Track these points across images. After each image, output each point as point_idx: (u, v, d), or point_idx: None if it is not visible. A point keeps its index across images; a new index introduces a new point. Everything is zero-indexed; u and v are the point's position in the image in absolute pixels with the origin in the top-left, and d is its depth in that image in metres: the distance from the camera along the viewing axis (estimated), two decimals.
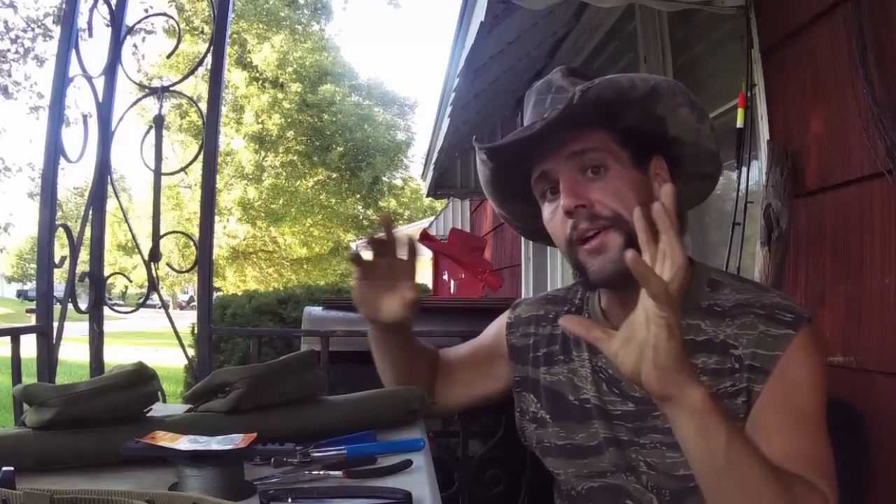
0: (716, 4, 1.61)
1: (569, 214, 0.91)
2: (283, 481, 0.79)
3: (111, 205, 1.98)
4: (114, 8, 1.81)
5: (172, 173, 2.50)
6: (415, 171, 20.48)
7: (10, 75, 9.37)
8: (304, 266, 20.13)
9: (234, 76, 17.27)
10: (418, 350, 1.15)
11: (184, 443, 0.75)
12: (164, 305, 2.06)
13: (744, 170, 1.55)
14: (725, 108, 1.87)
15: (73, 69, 1.68)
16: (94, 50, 1.99)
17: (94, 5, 1.82)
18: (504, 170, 1.01)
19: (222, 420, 0.90)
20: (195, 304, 2.07)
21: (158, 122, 1.87)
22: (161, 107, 1.89)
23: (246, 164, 17.86)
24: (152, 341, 12.22)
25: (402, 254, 1.04)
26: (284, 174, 18.51)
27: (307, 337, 2.02)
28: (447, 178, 5.26)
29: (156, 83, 2.33)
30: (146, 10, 7.15)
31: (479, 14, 1.94)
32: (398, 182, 21.78)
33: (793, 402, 0.83)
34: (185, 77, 2.43)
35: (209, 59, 1.85)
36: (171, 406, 1.23)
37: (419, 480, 0.81)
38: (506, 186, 1.05)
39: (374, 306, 1.04)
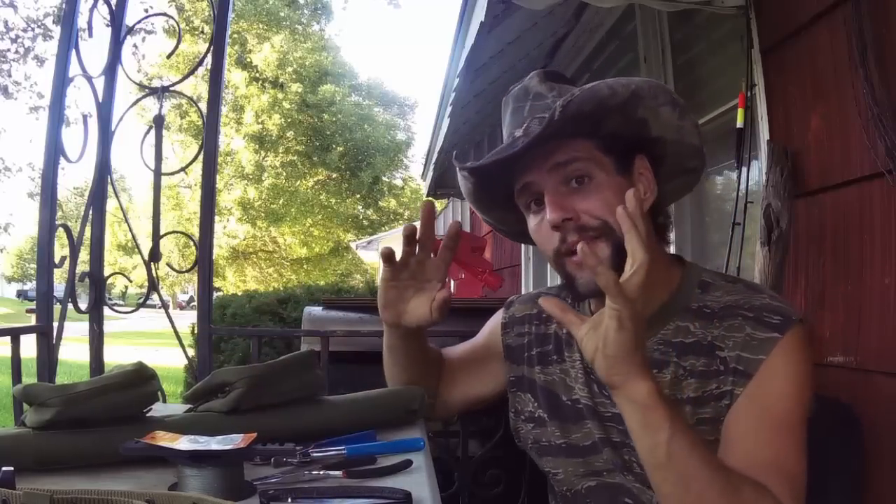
0: (716, 4, 1.61)
1: (556, 228, 0.90)
2: (283, 481, 0.79)
3: (111, 205, 1.99)
4: (114, 8, 1.82)
5: (172, 173, 2.50)
6: (415, 171, 20.50)
7: (10, 75, 9.39)
8: (304, 266, 20.12)
9: (234, 76, 17.28)
10: (430, 355, 1.13)
11: (184, 443, 0.75)
12: (164, 305, 2.06)
13: (744, 170, 1.55)
14: (725, 108, 1.87)
15: (73, 69, 1.68)
16: (94, 50, 2.00)
17: (94, 5, 1.83)
18: (486, 184, 1.00)
19: (222, 420, 0.89)
20: (195, 304, 2.07)
21: (158, 122, 1.87)
22: (161, 107, 1.89)
23: (246, 164, 17.86)
24: (152, 341, 12.22)
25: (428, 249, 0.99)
26: (284, 174, 18.51)
27: (307, 337, 2.02)
28: (447, 178, 5.26)
29: (156, 83, 2.33)
30: (146, 10, 7.17)
31: (479, 14, 1.94)
32: (398, 182, 21.78)
33: (768, 409, 0.83)
34: (185, 77, 2.43)
35: (209, 59, 1.85)
36: (171, 406, 1.23)
37: (419, 480, 0.81)
38: (488, 197, 1.04)
39: (398, 310, 1.01)
